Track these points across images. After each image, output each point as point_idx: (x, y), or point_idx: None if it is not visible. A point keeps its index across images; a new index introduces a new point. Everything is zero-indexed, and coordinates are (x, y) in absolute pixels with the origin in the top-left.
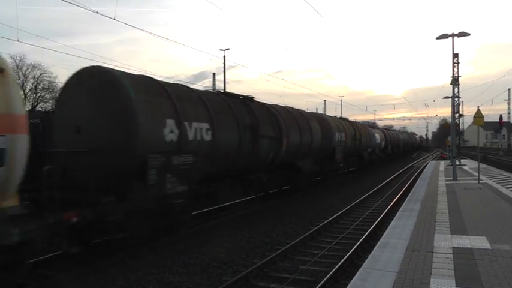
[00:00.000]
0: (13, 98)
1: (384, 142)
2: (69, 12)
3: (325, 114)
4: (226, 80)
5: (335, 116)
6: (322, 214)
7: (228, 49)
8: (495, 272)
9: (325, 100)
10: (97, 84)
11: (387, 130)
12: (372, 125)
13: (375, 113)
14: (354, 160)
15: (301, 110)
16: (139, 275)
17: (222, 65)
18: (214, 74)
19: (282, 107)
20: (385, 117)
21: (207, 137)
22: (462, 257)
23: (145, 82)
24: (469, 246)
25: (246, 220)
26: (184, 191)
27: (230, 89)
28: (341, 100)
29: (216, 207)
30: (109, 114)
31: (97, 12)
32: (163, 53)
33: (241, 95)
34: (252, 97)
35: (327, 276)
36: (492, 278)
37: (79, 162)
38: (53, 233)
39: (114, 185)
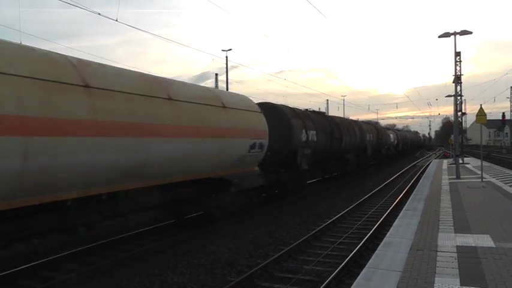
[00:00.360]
0: None
1: (396, 141)
2: (71, 14)
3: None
4: (229, 81)
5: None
6: (326, 214)
7: (230, 49)
8: (499, 270)
9: (327, 100)
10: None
11: (398, 131)
12: (387, 127)
13: (377, 112)
14: (376, 154)
15: (346, 118)
16: (143, 276)
17: (224, 66)
18: (216, 74)
19: (339, 117)
20: (388, 116)
21: (315, 139)
22: (466, 256)
23: (293, 111)
24: (473, 245)
25: (249, 221)
26: (307, 168)
27: (232, 89)
28: (343, 100)
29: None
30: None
31: (99, 14)
32: (166, 54)
33: (320, 111)
34: (324, 112)
35: (331, 276)
36: (497, 276)
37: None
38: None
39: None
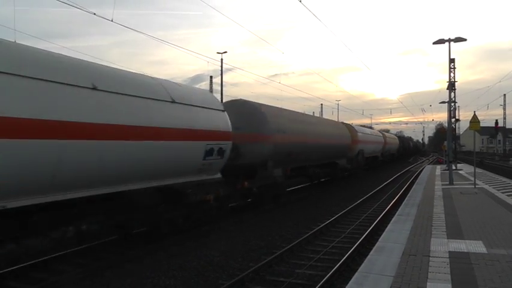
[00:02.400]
0: None
1: (398, 146)
2: (67, 13)
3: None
4: (223, 83)
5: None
6: (319, 218)
7: (225, 52)
8: (491, 276)
9: (321, 104)
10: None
11: (400, 137)
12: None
13: (371, 117)
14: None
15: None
16: (135, 278)
17: (219, 68)
18: (211, 77)
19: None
20: (382, 121)
21: None
22: (458, 261)
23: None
24: (465, 251)
25: (242, 224)
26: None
27: (227, 92)
28: (338, 104)
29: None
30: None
31: (95, 14)
32: (161, 55)
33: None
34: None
35: (322, 280)
36: (488, 282)
37: None
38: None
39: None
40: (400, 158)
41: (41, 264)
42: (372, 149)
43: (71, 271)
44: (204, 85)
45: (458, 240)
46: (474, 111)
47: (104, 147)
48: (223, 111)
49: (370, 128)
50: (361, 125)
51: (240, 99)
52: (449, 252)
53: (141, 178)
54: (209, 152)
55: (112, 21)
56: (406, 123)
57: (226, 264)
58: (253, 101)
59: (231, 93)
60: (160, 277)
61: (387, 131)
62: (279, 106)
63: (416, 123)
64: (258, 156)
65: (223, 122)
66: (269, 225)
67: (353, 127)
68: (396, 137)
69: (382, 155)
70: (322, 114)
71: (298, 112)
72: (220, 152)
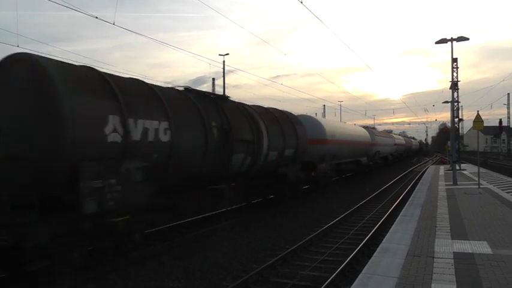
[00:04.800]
0: None
1: (406, 147)
2: (68, 17)
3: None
4: (225, 85)
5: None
6: (323, 219)
7: (227, 54)
8: (497, 277)
9: (324, 105)
10: None
11: (408, 138)
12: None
13: (374, 118)
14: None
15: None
16: (139, 281)
17: (221, 70)
18: (213, 79)
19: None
20: (385, 121)
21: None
22: (463, 262)
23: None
24: (470, 252)
25: (245, 226)
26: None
27: (229, 93)
28: (340, 105)
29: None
30: None
31: (96, 17)
32: (163, 58)
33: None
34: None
35: (326, 282)
36: (494, 283)
37: None
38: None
39: None
40: (407, 157)
41: (44, 266)
42: (387, 150)
43: (74, 274)
44: (206, 87)
45: (462, 241)
46: (478, 111)
47: (352, 147)
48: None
49: (374, 128)
50: (366, 126)
51: (305, 115)
52: (454, 253)
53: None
54: None
55: (114, 24)
56: (409, 124)
57: (230, 266)
58: (283, 109)
59: (232, 95)
60: (163, 279)
61: (390, 131)
62: (281, 108)
63: (419, 123)
64: (319, 154)
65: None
66: (273, 227)
67: (371, 131)
68: (403, 139)
69: (392, 155)
70: (324, 116)
71: (338, 121)
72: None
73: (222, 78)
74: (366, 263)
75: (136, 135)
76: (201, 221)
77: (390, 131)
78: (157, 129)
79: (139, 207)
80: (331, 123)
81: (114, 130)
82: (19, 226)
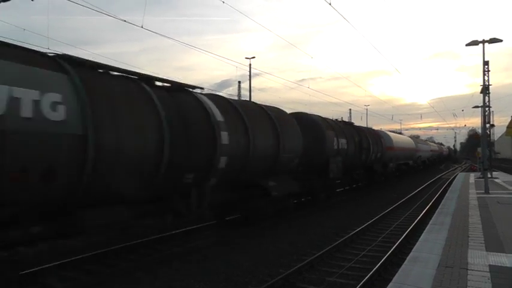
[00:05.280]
0: None
1: (438, 153)
2: (97, 21)
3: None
4: (251, 88)
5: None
6: (349, 225)
7: (253, 57)
8: None
9: (350, 109)
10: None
11: (439, 145)
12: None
13: (401, 123)
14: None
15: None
16: (165, 281)
17: (246, 73)
18: (239, 82)
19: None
20: (412, 126)
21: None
22: (501, 277)
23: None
24: (508, 266)
25: (271, 230)
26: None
27: (254, 97)
28: (366, 109)
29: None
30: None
31: (125, 21)
32: (188, 60)
33: (348, 122)
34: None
35: None
36: None
37: None
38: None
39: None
40: (439, 162)
41: (72, 264)
42: (425, 155)
43: (101, 272)
44: (232, 90)
45: (499, 254)
46: (511, 116)
47: (405, 153)
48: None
49: (400, 133)
50: (392, 131)
51: (382, 130)
52: (490, 266)
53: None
54: None
55: (142, 27)
56: (437, 129)
57: (256, 270)
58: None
59: (258, 99)
60: (189, 280)
61: (417, 136)
62: (307, 111)
63: (447, 128)
64: (389, 157)
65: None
66: (298, 232)
67: (415, 139)
68: (436, 146)
69: (428, 160)
70: (350, 120)
71: (395, 133)
72: None
73: (248, 82)
74: (395, 272)
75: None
76: (225, 224)
77: (417, 137)
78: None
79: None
80: (393, 135)
81: None
82: None
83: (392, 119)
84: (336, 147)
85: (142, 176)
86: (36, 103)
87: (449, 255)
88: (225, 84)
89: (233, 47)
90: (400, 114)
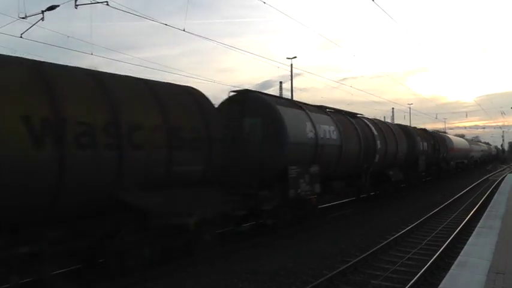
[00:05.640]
0: None
1: (487, 153)
2: (138, 26)
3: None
4: (292, 89)
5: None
6: (393, 227)
7: (295, 57)
8: None
9: (393, 108)
10: None
11: (488, 145)
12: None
13: (445, 121)
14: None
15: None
16: (209, 280)
17: (287, 73)
18: (281, 82)
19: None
20: (456, 125)
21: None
22: None
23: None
24: None
25: (314, 230)
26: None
27: (296, 97)
28: (410, 108)
29: None
30: None
31: (166, 25)
32: (228, 62)
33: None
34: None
35: None
36: None
37: None
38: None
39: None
40: (488, 162)
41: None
42: (476, 154)
43: (147, 270)
44: (273, 91)
45: None
46: None
47: (461, 153)
48: None
49: (445, 133)
50: (437, 131)
51: (437, 133)
52: None
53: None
54: None
55: (184, 30)
56: (483, 128)
57: (300, 271)
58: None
59: (300, 99)
60: (233, 279)
61: (462, 136)
62: (349, 110)
63: (494, 127)
64: (451, 156)
65: None
66: (342, 233)
67: (469, 141)
68: (486, 146)
69: (479, 159)
70: (393, 119)
71: (455, 136)
72: None
73: (290, 82)
74: (442, 277)
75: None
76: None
77: (462, 136)
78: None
79: None
80: (454, 138)
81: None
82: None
83: (436, 117)
84: (421, 148)
85: (353, 163)
86: (329, 131)
87: (500, 260)
88: (266, 85)
89: (274, 47)
90: (444, 112)
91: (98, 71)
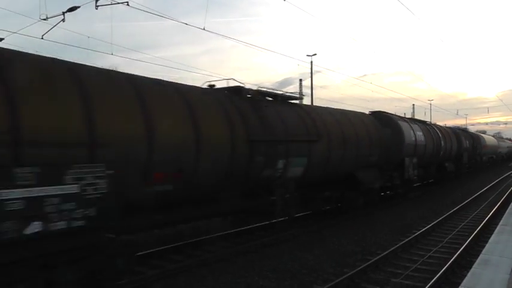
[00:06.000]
0: None
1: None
2: (158, 25)
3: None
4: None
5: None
6: (414, 225)
7: (315, 54)
8: None
9: (413, 104)
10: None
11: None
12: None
13: (466, 118)
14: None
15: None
16: (229, 277)
17: (306, 71)
18: (300, 80)
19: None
20: (478, 121)
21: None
22: None
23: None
24: None
25: (335, 228)
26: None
27: (316, 94)
28: (430, 104)
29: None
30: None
31: (186, 24)
32: (249, 60)
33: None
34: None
35: None
36: None
37: None
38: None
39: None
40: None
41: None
42: (503, 151)
43: (165, 267)
44: (292, 88)
45: None
46: None
47: (490, 149)
48: None
49: (466, 129)
50: (458, 127)
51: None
52: None
53: None
54: None
55: (204, 29)
56: (505, 123)
57: (320, 268)
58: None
59: (319, 96)
60: (253, 277)
61: (484, 132)
62: (370, 108)
63: None
64: (483, 153)
65: None
66: (363, 231)
67: (497, 138)
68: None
69: (506, 154)
70: (414, 115)
71: (484, 134)
72: None
73: (310, 79)
74: (463, 275)
75: None
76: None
77: (484, 132)
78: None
79: None
80: (486, 136)
81: None
82: None
83: (457, 113)
84: (465, 146)
85: (429, 157)
86: (420, 135)
87: None
88: (286, 82)
89: (294, 44)
90: (465, 108)
91: (186, 87)
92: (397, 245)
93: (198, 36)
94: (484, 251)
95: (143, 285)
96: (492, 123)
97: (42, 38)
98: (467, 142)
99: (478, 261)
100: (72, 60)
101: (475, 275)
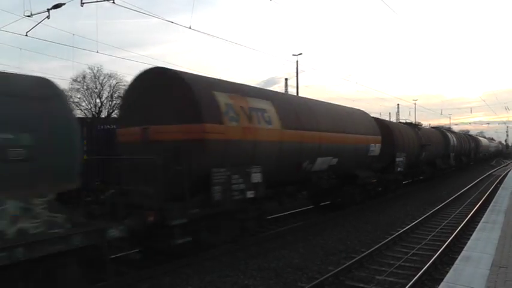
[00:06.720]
0: None
1: (498, 149)
2: (144, 23)
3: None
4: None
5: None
6: (398, 223)
7: (300, 54)
8: None
9: (398, 104)
10: None
11: (496, 142)
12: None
13: (450, 117)
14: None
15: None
16: (214, 276)
17: (291, 70)
18: (286, 79)
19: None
20: (461, 121)
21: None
22: None
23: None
24: None
25: (320, 226)
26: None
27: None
28: (415, 104)
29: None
30: None
31: (172, 22)
32: (234, 59)
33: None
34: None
35: None
36: None
37: None
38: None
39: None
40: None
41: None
42: (493, 150)
43: (150, 267)
44: (278, 87)
45: None
46: None
47: (485, 149)
48: None
49: (449, 129)
50: (441, 127)
51: (475, 137)
52: None
53: None
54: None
55: (190, 28)
56: (488, 123)
57: (305, 267)
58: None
59: (304, 95)
60: (239, 276)
61: (467, 131)
62: (355, 107)
63: (499, 123)
64: (481, 151)
65: None
66: (347, 229)
67: (490, 140)
68: (497, 143)
69: (493, 153)
70: (398, 115)
71: (480, 136)
72: None
73: (296, 78)
74: (446, 271)
75: None
76: (274, 221)
77: (467, 132)
78: None
79: None
80: (482, 139)
81: None
82: None
83: (441, 113)
84: (471, 146)
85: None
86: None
87: (503, 254)
88: (271, 81)
89: (279, 44)
90: (449, 108)
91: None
92: (381, 243)
93: (184, 34)
94: (465, 247)
95: (129, 285)
96: (475, 122)
97: (26, 35)
98: (473, 144)
99: (460, 257)
100: (57, 58)
101: (457, 271)
